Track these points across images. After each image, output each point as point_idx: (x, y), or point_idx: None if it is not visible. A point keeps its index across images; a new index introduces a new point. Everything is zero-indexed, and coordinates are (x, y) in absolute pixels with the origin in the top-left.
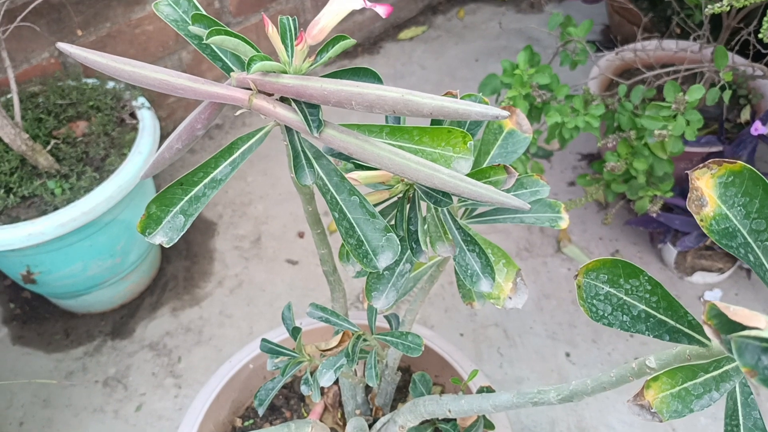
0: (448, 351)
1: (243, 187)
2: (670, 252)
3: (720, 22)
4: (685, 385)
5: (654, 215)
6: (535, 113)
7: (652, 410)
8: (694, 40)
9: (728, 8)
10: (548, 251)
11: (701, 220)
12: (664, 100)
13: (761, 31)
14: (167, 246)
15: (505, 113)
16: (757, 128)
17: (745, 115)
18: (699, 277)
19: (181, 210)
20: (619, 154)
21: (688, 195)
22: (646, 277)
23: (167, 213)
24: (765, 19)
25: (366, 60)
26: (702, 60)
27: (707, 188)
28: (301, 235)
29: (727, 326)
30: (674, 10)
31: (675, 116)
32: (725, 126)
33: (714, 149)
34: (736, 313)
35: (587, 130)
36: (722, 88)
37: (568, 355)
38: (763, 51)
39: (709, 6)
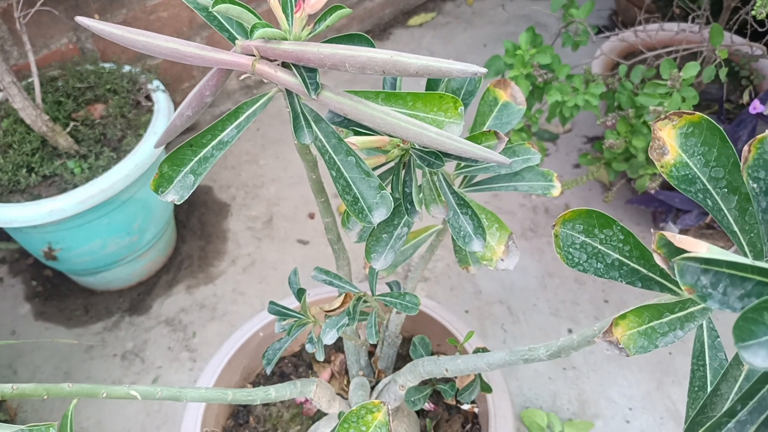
0: (450, 320)
1: (255, 170)
2: (672, 231)
3: (721, 3)
4: (652, 323)
5: (653, 191)
6: (537, 93)
7: (620, 346)
8: (692, 21)
9: None
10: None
11: (662, 167)
12: (662, 79)
13: (754, 9)
14: (178, 203)
15: (484, 70)
16: (755, 107)
17: (746, 95)
18: None
19: (191, 170)
20: (618, 132)
21: (650, 144)
22: (619, 227)
23: (178, 173)
24: None
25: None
26: (701, 40)
27: (669, 138)
28: (311, 216)
29: (675, 253)
30: None
31: (671, 93)
32: (728, 107)
33: None
34: (681, 241)
35: (587, 108)
36: (717, 66)
37: (570, 331)
38: (760, 30)
39: None
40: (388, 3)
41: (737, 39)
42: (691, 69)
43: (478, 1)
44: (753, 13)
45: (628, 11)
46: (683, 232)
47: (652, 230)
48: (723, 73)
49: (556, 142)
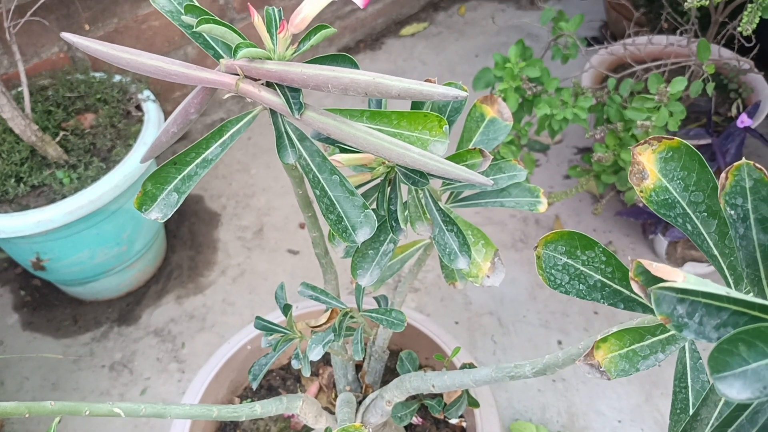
0: (438, 334)
1: (246, 179)
2: (661, 243)
3: (709, 17)
4: (633, 346)
5: (641, 204)
6: (526, 106)
7: (601, 369)
8: (681, 34)
9: (706, 2)
10: None
11: (641, 191)
12: (650, 93)
13: (740, 25)
14: (161, 221)
15: (464, 93)
16: (743, 120)
17: (735, 109)
18: (690, 268)
19: (174, 188)
20: (607, 146)
21: (630, 168)
22: (601, 249)
23: (162, 191)
24: (744, 13)
25: (368, 56)
26: (690, 54)
27: (648, 162)
28: (302, 226)
29: (652, 282)
30: (662, 5)
31: (659, 108)
32: (716, 119)
33: (703, 142)
34: (658, 269)
35: (576, 121)
36: (705, 81)
37: (560, 343)
38: (747, 45)
39: (688, 1)
40: (380, 13)
41: (725, 53)
42: (678, 84)
43: (470, 12)
44: (739, 29)
45: (618, 23)
46: (672, 244)
47: (629, 258)
48: (710, 87)
49: (547, 153)
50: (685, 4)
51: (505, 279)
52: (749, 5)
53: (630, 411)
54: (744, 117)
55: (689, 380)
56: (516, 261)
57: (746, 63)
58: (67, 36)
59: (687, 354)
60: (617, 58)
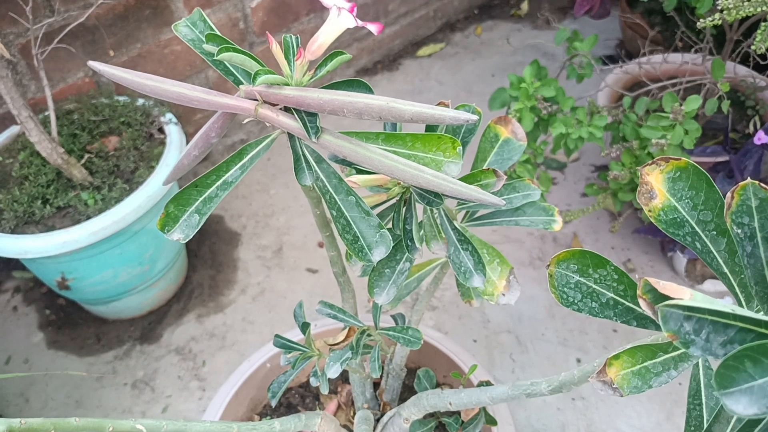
0: (456, 352)
1: (266, 199)
2: (680, 260)
3: (724, 35)
4: (645, 363)
5: None
6: (542, 125)
7: (614, 386)
8: (695, 52)
9: (719, 22)
10: None
11: (649, 211)
12: (665, 111)
13: (754, 43)
14: (183, 242)
15: (474, 117)
16: (760, 138)
17: (752, 126)
18: (710, 285)
19: (196, 209)
20: (623, 164)
21: (638, 189)
22: (612, 267)
23: (184, 212)
24: (758, 32)
25: (385, 76)
26: (705, 72)
27: (657, 183)
28: (320, 245)
29: (660, 299)
30: (677, 24)
31: (674, 126)
32: (734, 136)
33: (720, 159)
34: (665, 287)
35: (591, 140)
36: (720, 99)
37: (579, 361)
38: (761, 63)
39: (701, 20)
40: (397, 34)
41: (741, 70)
42: (693, 103)
43: (487, 32)
44: (753, 47)
45: (634, 42)
46: (692, 261)
47: (636, 277)
48: (725, 105)
49: (564, 171)
50: (698, 24)
51: (523, 297)
52: (763, 23)
53: (651, 429)
54: (761, 134)
55: (703, 397)
56: (534, 279)
57: (762, 80)
58: (93, 65)
59: (701, 371)
60: (632, 77)
